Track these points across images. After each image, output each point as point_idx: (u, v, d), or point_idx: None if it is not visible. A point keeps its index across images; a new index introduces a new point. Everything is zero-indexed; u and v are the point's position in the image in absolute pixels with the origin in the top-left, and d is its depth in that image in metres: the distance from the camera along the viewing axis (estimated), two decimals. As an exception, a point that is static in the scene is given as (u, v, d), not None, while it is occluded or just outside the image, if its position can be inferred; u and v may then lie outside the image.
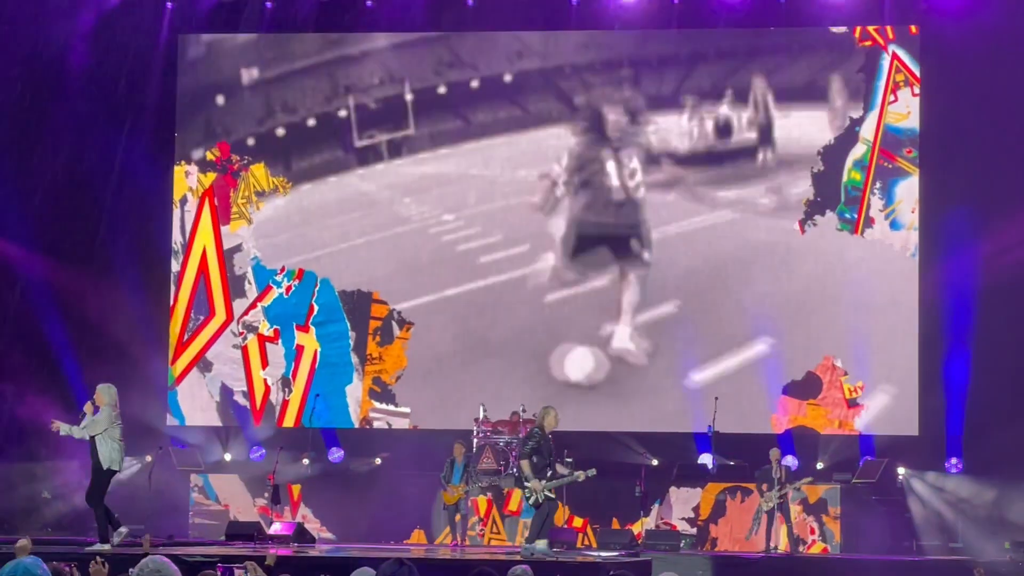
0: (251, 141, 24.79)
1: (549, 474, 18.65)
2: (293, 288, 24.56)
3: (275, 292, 24.58)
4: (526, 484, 18.62)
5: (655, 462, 23.07)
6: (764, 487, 21.03)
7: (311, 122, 24.66)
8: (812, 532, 22.14)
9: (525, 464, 18.65)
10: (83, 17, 24.24)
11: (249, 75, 24.77)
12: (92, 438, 18.41)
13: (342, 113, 24.56)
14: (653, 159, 23.94)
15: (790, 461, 22.47)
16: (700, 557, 20.42)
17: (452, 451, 21.78)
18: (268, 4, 24.59)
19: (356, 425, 24.34)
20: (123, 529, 18.34)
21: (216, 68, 24.89)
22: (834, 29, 23.74)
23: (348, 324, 24.45)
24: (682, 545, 21.34)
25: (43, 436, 23.52)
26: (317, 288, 24.49)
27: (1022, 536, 20.92)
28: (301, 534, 21.15)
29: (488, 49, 24.42)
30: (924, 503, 22.18)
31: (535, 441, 18.69)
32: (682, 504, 22.53)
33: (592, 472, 19.05)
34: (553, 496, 18.74)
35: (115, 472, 18.57)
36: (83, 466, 23.26)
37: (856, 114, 23.58)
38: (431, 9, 24.42)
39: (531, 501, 18.61)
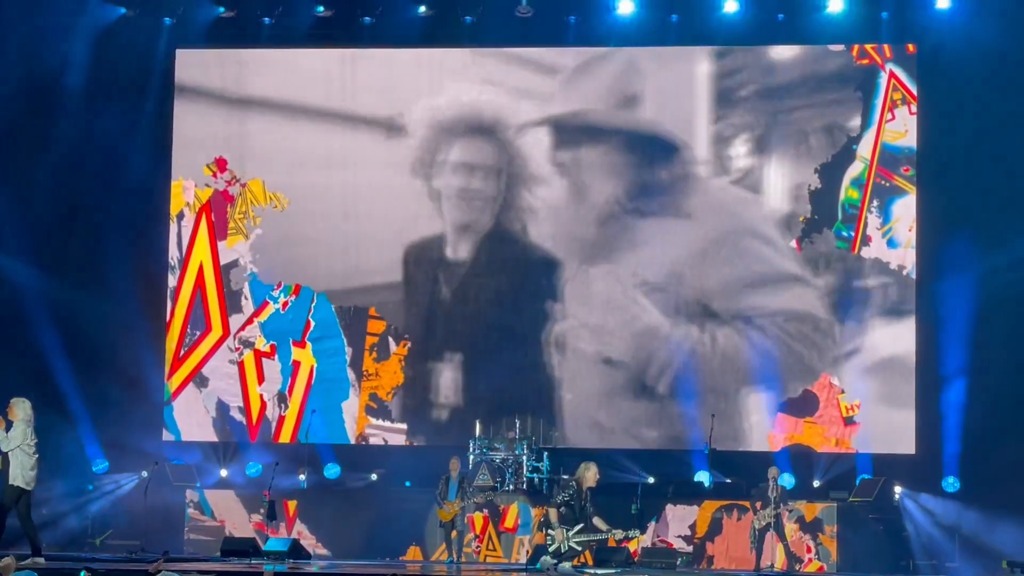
0: (249, 156, 24.77)
1: (579, 527, 18.84)
2: (290, 304, 24.54)
3: (272, 307, 24.57)
4: (550, 532, 18.84)
5: (651, 480, 23.04)
6: (759, 505, 21.01)
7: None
8: (808, 551, 22.08)
9: (553, 512, 19.00)
10: (81, 32, 24.22)
11: (247, 89, 24.76)
12: (5, 454, 17.53)
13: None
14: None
15: (786, 480, 22.45)
16: (696, 575, 20.38)
17: (448, 467, 21.78)
18: (266, 20, 24.59)
19: (352, 441, 24.31)
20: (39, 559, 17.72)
21: (214, 83, 24.87)
22: (832, 47, 23.76)
23: (344, 340, 24.44)
24: (678, 563, 21.28)
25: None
26: (314, 304, 24.48)
27: (1017, 555, 20.89)
28: (296, 550, 21.09)
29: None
30: (918, 523, 22.14)
31: (568, 494, 18.99)
32: (678, 522, 22.49)
33: (635, 532, 19.33)
34: (579, 549, 18.91)
35: (26, 490, 17.54)
36: (80, 479, 23.36)
37: (853, 132, 23.60)
38: (429, 25, 24.43)
39: (552, 549, 18.74)
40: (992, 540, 21.64)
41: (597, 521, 19.05)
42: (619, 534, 19.13)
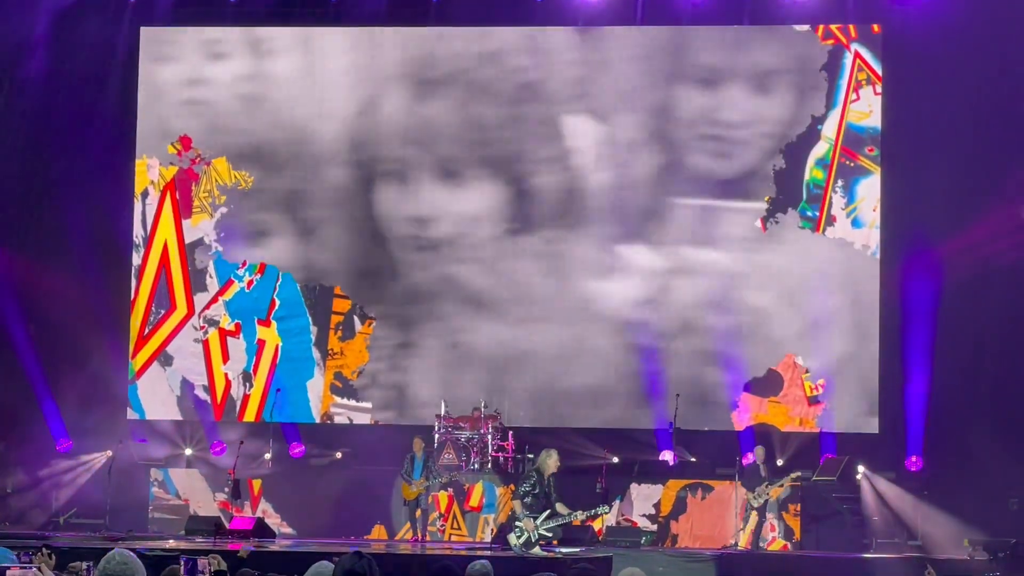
0: (213, 135, 24.70)
1: (546, 513, 18.83)
2: (255, 282, 24.50)
3: (237, 286, 24.52)
4: (517, 524, 18.84)
5: (616, 459, 23.08)
6: (751, 484, 21.18)
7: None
8: (772, 529, 22.17)
9: (517, 504, 18.96)
10: (44, 9, 24.09)
11: (211, 68, 24.67)
12: None
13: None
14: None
15: (750, 459, 22.56)
16: (660, 553, 20.44)
17: (412, 446, 21.83)
18: (231, -2, 24.57)
19: (317, 420, 24.29)
20: None
21: (178, 61, 24.77)
22: (797, 27, 23.79)
23: (310, 319, 24.41)
24: (643, 541, 21.37)
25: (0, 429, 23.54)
26: (279, 282, 24.43)
27: (979, 534, 21.00)
28: (261, 529, 21.09)
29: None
30: (881, 502, 22.23)
31: (530, 484, 18.95)
32: (643, 500, 22.56)
33: (603, 509, 19.40)
34: (550, 535, 18.93)
35: None
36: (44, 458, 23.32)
37: (818, 112, 23.64)
38: (395, 4, 24.37)
39: (522, 540, 18.74)
40: (954, 519, 21.75)
41: (560, 507, 19.05)
42: (582, 515, 19.17)
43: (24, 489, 23.36)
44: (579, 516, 19.12)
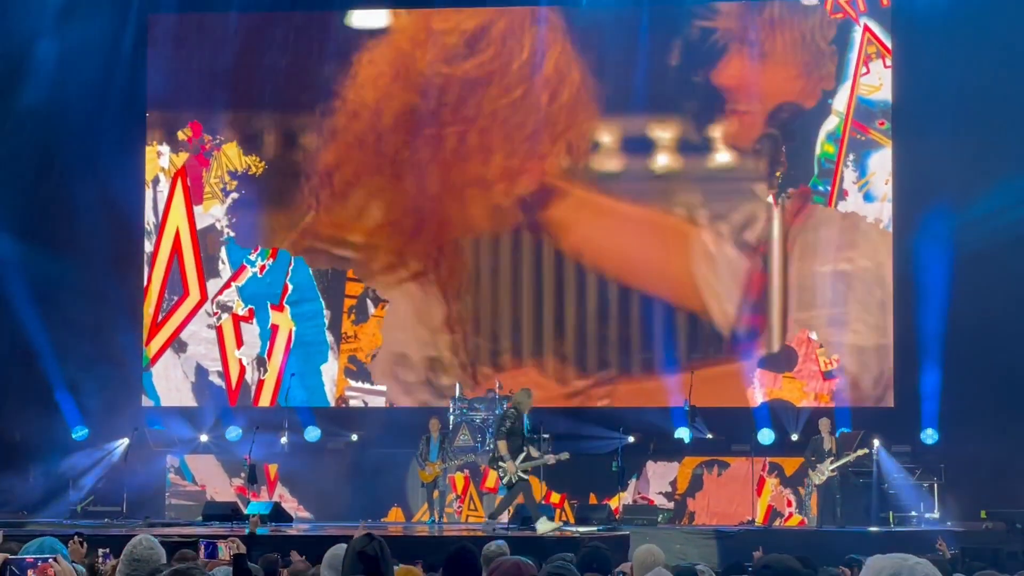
0: (223, 120, 24.71)
1: (523, 455, 18.88)
2: (267, 267, 24.51)
3: (249, 271, 24.53)
4: (501, 464, 18.82)
5: (631, 439, 23.07)
6: (814, 459, 21.09)
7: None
8: (789, 504, 22.19)
9: (502, 444, 18.97)
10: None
11: (220, 54, 24.67)
12: None
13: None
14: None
15: (766, 435, 22.58)
16: (678, 531, 20.46)
17: (428, 428, 21.84)
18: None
19: (332, 404, 24.32)
20: None
21: (186, 47, 24.77)
22: (806, 1, 23.74)
23: (323, 303, 24.42)
24: (660, 519, 21.39)
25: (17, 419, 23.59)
26: (291, 267, 24.44)
27: (995, 506, 21.00)
28: (278, 513, 21.12)
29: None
30: (897, 475, 22.19)
31: (511, 421, 18.94)
32: (659, 479, 22.58)
33: (565, 456, 19.34)
34: (526, 478, 18.96)
35: None
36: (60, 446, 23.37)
37: (828, 86, 23.59)
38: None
39: (504, 481, 18.77)
40: (970, 491, 21.74)
41: (531, 449, 19.24)
42: (552, 460, 19.30)
43: (41, 478, 23.40)
44: (549, 460, 19.24)
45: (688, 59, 23.86)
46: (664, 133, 23.88)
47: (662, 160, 23.87)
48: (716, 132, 23.77)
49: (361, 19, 24.54)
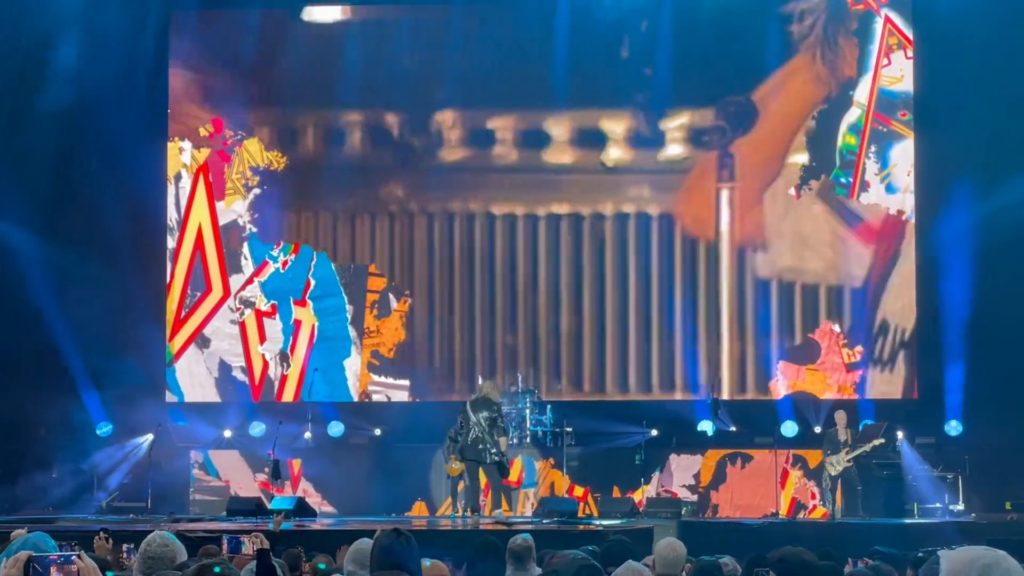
0: (244, 116, 24.74)
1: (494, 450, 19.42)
2: (289, 263, 24.53)
3: (271, 267, 24.56)
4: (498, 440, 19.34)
5: (654, 432, 23.03)
6: (829, 452, 21.06)
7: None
8: (813, 497, 22.16)
9: (503, 441, 19.32)
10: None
11: (241, 50, 24.68)
12: None
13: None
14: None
15: (789, 427, 22.56)
16: (701, 523, 20.45)
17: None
18: (261, -21, 24.57)
19: (355, 399, 24.34)
20: None
21: (208, 43, 24.81)
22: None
23: (345, 298, 24.44)
24: (683, 512, 21.36)
25: (42, 416, 23.65)
26: (314, 262, 24.47)
27: (1020, 497, 20.95)
28: (302, 508, 21.13)
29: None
30: (921, 467, 22.14)
31: (502, 417, 19.56)
32: (683, 471, 22.56)
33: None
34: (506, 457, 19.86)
35: None
36: (84, 443, 23.43)
37: (850, 77, 23.54)
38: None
39: (497, 459, 19.33)
40: (995, 483, 21.69)
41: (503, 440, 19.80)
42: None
43: (66, 475, 23.45)
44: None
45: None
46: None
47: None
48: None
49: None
